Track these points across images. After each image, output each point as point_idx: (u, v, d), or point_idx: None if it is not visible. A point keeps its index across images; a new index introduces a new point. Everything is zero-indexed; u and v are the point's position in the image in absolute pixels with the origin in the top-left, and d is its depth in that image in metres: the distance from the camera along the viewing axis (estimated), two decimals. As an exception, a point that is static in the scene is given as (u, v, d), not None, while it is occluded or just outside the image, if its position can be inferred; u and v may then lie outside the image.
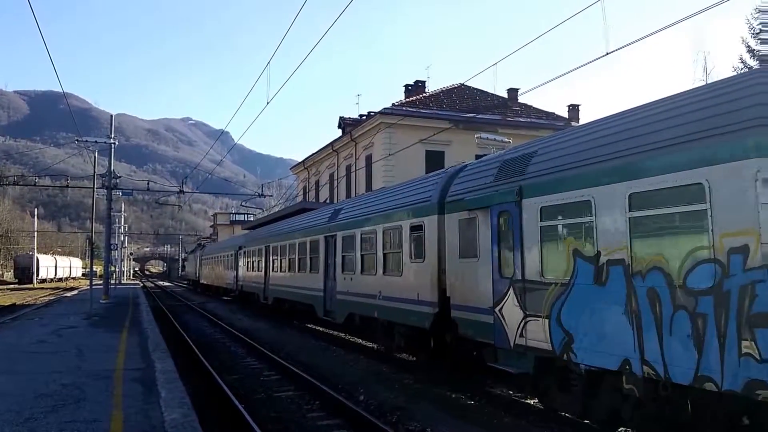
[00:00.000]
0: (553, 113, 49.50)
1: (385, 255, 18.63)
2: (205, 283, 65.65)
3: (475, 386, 14.63)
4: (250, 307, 40.56)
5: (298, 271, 28.10)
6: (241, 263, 42.81)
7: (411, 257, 16.77)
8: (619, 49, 13.94)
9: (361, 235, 20.39)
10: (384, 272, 18.59)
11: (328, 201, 47.83)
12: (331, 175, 54.10)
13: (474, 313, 13.59)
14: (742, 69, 34.93)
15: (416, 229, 16.46)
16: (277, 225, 35.27)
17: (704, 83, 14.13)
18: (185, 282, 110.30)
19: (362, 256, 20.36)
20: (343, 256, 22.09)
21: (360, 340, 23.91)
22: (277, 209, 58.49)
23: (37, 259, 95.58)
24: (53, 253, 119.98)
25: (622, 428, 10.63)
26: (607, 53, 14.00)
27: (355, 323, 21.48)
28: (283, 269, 30.99)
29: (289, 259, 29.71)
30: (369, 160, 44.87)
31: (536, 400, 12.96)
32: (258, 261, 36.88)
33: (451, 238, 14.77)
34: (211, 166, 66.39)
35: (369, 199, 21.86)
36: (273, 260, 32.93)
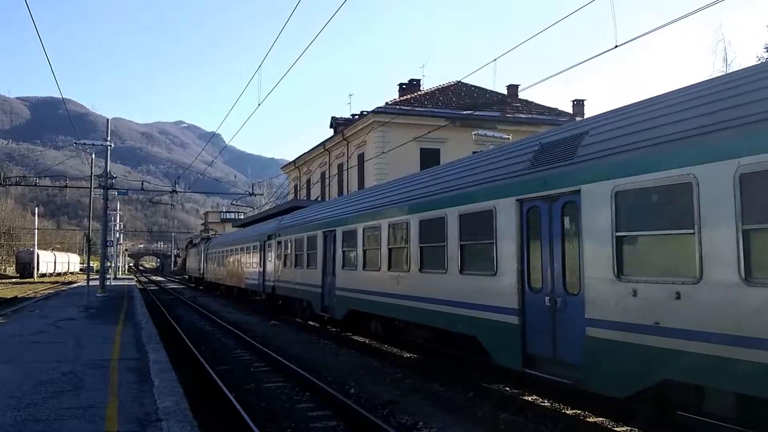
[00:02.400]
0: (556, 109, 46.43)
1: None
2: (212, 281, 54.63)
3: (469, 382, 13.92)
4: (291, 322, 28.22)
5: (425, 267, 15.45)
6: (271, 257, 31.19)
7: None
8: (630, 40, 13.09)
9: None
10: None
11: (319, 199, 46.70)
12: (323, 174, 52.95)
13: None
14: (766, 58, 32.86)
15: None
16: (352, 198, 23.59)
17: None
18: (177, 278, 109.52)
19: None
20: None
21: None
22: (267, 207, 58.27)
23: (38, 255, 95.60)
24: (53, 250, 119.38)
25: (627, 427, 10.34)
26: (616, 46, 13.23)
27: None
28: (375, 265, 18.06)
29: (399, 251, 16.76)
30: (361, 158, 43.57)
31: (534, 397, 12.54)
32: (308, 254, 24.65)
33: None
34: (202, 167, 66.20)
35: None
36: (345, 252, 20.73)
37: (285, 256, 28.30)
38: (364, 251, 18.85)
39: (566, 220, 10.49)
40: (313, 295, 23.70)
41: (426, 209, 15.05)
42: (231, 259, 44.57)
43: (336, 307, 21.14)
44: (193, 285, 72.94)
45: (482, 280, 12.58)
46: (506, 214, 11.85)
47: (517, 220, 11.53)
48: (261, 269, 33.15)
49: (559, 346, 10.40)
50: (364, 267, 18.86)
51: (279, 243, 29.54)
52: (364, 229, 18.89)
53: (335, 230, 21.33)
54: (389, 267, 16.96)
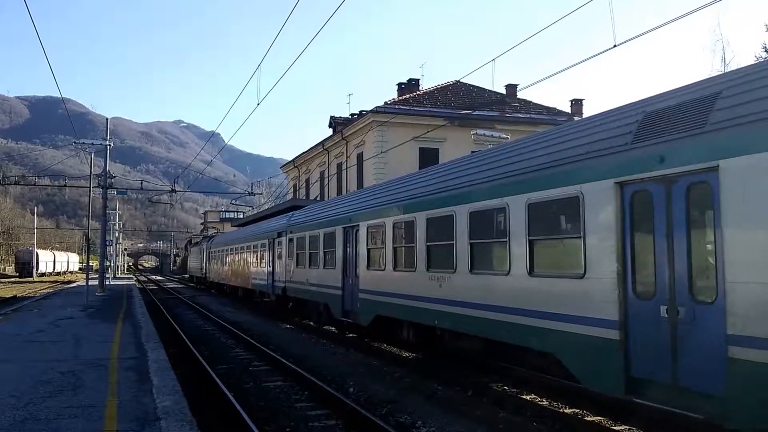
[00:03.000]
0: (555, 108, 46.23)
1: None
2: (216, 281, 52.18)
3: (468, 381, 13.89)
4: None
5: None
6: (282, 255, 28.62)
7: None
8: (628, 40, 12.72)
9: None
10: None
11: (318, 199, 46.54)
12: (322, 173, 52.89)
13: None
14: (765, 57, 32.15)
15: None
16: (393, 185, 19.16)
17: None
18: (177, 277, 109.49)
19: None
20: None
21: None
22: (266, 207, 58.24)
23: (37, 254, 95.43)
24: (52, 249, 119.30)
25: (625, 426, 10.31)
26: (615, 45, 12.92)
27: None
28: (410, 265, 15.88)
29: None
30: (360, 158, 43.47)
31: (533, 396, 12.47)
32: (325, 253, 22.37)
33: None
34: (201, 166, 66.22)
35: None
36: (371, 250, 18.45)
37: (297, 254, 25.74)
38: (395, 249, 16.63)
39: (693, 206, 8.27)
40: (331, 298, 21.47)
41: (478, 199, 12.73)
42: (236, 258, 41.97)
43: (360, 312, 18.82)
44: (194, 285, 70.19)
45: (563, 284, 10.27)
46: (599, 202, 9.51)
47: (617, 209, 9.21)
48: (270, 269, 31.02)
49: (683, 371, 8.13)
50: (394, 267, 16.60)
51: (291, 240, 26.88)
52: (394, 224, 16.61)
53: (358, 226, 19.11)
54: (428, 267, 14.68)
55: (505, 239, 11.84)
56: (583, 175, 9.86)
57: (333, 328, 23.29)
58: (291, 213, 30.16)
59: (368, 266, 18.40)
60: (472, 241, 13.05)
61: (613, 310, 9.12)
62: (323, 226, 22.54)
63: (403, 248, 16.25)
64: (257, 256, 34.72)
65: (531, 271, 11.13)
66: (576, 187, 9.98)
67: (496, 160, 12.97)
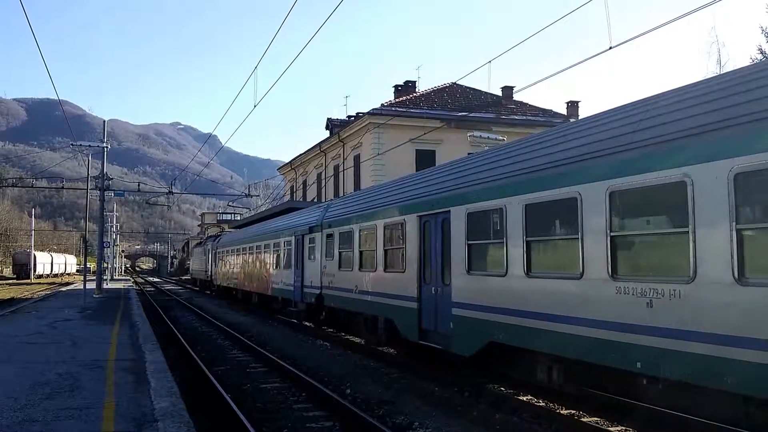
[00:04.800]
0: (551, 110, 46.45)
1: None
2: (225, 285, 45.24)
3: (464, 382, 13.72)
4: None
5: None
6: (315, 256, 23.41)
7: None
8: (623, 42, 12.74)
9: None
10: None
11: (315, 201, 46.42)
12: (319, 175, 52.89)
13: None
14: (760, 59, 31.71)
15: None
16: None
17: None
18: (174, 279, 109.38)
19: None
20: None
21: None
22: (264, 209, 58.16)
23: (35, 256, 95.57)
24: (49, 251, 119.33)
25: (621, 427, 10.26)
26: (611, 47, 12.79)
27: None
28: (570, 268, 10.19)
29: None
30: (357, 160, 43.46)
31: (530, 397, 12.44)
32: (388, 251, 17.16)
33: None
34: (199, 168, 66.13)
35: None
36: (476, 246, 13.14)
37: (340, 254, 20.63)
38: (529, 245, 11.11)
39: None
40: (399, 313, 16.13)
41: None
42: (251, 260, 35.97)
43: (455, 336, 13.48)
44: (197, 289, 63.82)
45: None
46: None
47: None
48: (298, 272, 25.56)
49: None
50: (527, 270, 11.05)
51: (329, 237, 21.82)
52: (525, 208, 11.11)
53: (448, 213, 13.80)
54: (616, 271, 9.09)
55: None
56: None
57: (392, 350, 18.35)
58: (326, 203, 26.06)
59: (470, 269, 12.97)
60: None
61: None
62: (382, 216, 17.38)
63: (557, 243, 10.96)
64: (279, 256, 29.42)
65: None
66: None
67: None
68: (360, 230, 18.97)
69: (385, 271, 17.12)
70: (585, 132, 10.52)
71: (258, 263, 34.11)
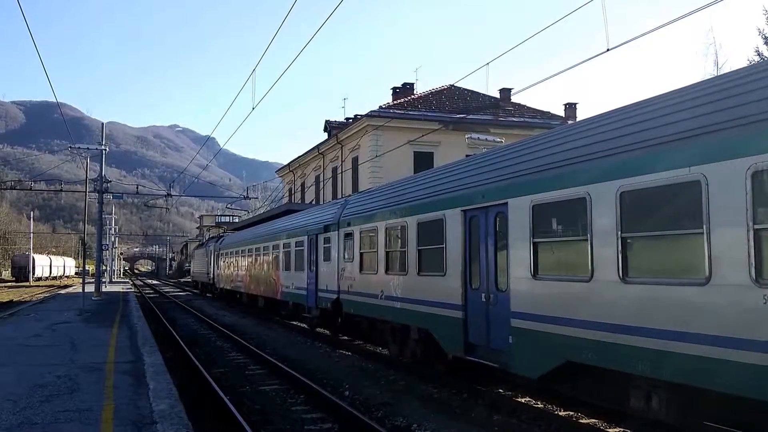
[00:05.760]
0: (549, 112, 46.26)
1: None
2: (228, 288, 43.14)
3: (463, 384, 13.52)
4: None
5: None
6: (332, 257, 21.44)
7: None
8: (621, 44, 12.68)
9: None
10: None
11: (314, 203, 46.34)
12: (317, 177, 52.74)
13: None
14: (758, 60, 31.50)
15: None
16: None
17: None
18: (172, 281, 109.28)
19: None
20: None
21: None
22: (262, 211, 58.11)
23: (33, 259, 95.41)
24: (48, 253, 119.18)
25: (619, 428, 10.24)
26: (608, 49, 12.71)
27: None
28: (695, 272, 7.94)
29: None
30: (355, 162, 43.33)
31: (528, 398, 12.39)
32: (421, 251, 15.01)
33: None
34: (197, 171, 66.04)
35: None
36: (545, 244, 10.83)
37: (363, 255, 18.71)
38: (623, 241, 8.86)
39: None
40: (439, 323, 13.98)
41: None
42: (258, 262, 33.88)
43: (515, 353, 11.23)
44: (197, 291, 62.67)
45: None
46: None
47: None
48: (312, 274, 23.62)
49: None
50: (623, 274, 8.80)
51: (348, 236, 19.88)
52: (621, 197, 8.86)
53: (505, 206, 11.62)
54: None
55: None
56: None
57: (429, 366, 15.31)
58: (343, 199, 24.15)
59: (537, 272, 10.72)
60: None
61: None
62: (415, 211, 15.29)
63: (672, 239, 8.48)
64: (290, 257, 27.21)
65: None
66: None
67: None
68: (387, 228, 16.83)
69: (418, 274, 14.99)
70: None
71: (266, 265, 31.95)
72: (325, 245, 22.12)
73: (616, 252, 8.90)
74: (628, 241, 8.82)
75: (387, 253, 16.78)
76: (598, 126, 10.18)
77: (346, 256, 19.99)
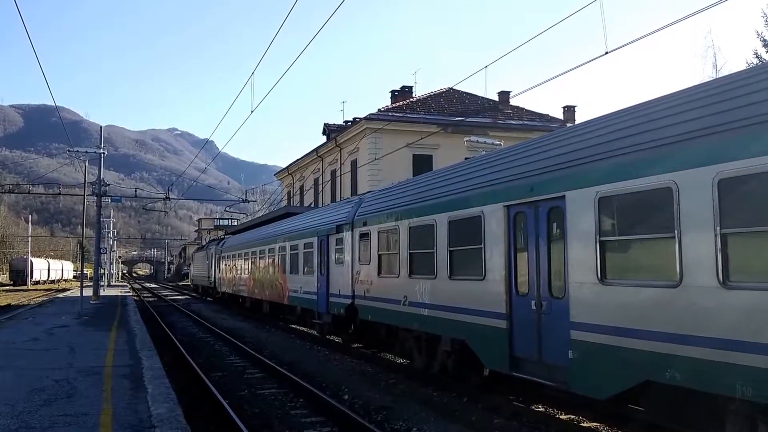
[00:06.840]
0: (547, 115, 46.21)
1: None
2: (231, 292, 41.82)
3: (463, 387, 13.47)
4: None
5: None
6: (345, 259, 20.18)
7: None
8: (620, 47, 12.56)
9: None
10: None
11: (312, 206, 46.21)
12: (316, 180, 52.69)
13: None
14: (756, 63, 31.53)
15: None
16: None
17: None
18: (171, 284, 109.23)
19: None
20: None
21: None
22: (261, 214, 58.04)
23: (31, 262, 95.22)
24: (46, 257, 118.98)
25: (619, 430, 10.17)
26: (607, 52, 12.72)
27: None
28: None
29: None
30: (354, 165, 43.29)
31: (528, 402, 12.30)
32: (453, 253, 13.56)
33: None
34: (195, 174, 66.06)
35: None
36: (610, 243, 9.22)
37: (380, 257, 17.33)
38: (724, 238, 7.47)
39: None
40: (476, 333, 12.50)
41: None
42: (262, 265, 32.27)
43: (578, 370, 9.56)
44: (197, 295, 61.79)
45: None
46: None
47: None
48: (323, 278, 22.21)
49: None
50: (724, 278, 7.41)
51: (364, 237, 18.47)
52: (720, 185, 7.50)
53: (562, 199, 10.12)
54: None
55: None
56: None
57: (463, 382, 13.88)
58: (358, 197, 22.49)
59: (605, 276, 9.17)
60: None
61: None
62: (445, 208, 13.76)
63: None
64: (298, 260, 25.82)
65: None
66: None
67: None
68: (411, 227, 15.31)
69: (450, 278, 13.48)
70: None
71: (271, 268, 30.30)
72: (338, 246, 20.89)
73: (716, 253, 7.40)
74: (733, 240, 7.35)
75: (411, 254, 15.31)
76: (687, 102, 8.55)
77: (362, 258, 18.70)
